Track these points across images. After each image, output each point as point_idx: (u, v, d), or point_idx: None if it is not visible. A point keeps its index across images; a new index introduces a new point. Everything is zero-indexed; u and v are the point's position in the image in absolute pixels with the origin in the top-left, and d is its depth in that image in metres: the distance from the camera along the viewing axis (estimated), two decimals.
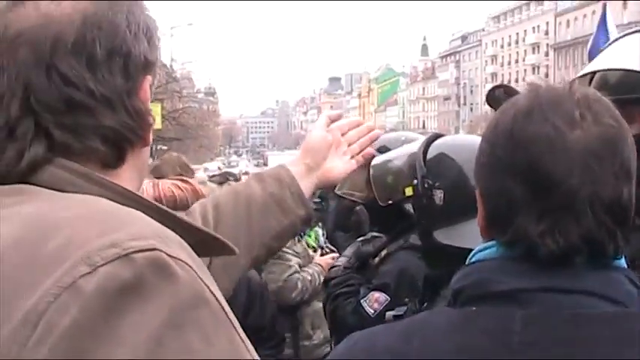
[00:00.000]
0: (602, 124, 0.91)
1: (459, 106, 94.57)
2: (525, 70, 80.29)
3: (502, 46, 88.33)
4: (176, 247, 0.67)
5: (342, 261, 2.56)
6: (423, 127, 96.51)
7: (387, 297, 2.28)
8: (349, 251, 2.59)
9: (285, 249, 3.53)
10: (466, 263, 0.99)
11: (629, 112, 1.21)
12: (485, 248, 0.97)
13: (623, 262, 0.94)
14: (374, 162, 2.09)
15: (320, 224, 4.06)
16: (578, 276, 0.90)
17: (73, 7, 0.80)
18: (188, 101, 37.55)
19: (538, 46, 79.01)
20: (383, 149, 2.27)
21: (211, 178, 4.29)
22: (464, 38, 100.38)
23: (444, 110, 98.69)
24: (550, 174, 0.89)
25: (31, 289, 0.62)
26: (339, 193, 2.66)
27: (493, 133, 0.96)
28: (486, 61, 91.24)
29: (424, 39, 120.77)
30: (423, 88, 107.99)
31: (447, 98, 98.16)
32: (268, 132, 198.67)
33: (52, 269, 0.62)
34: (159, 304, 0.61)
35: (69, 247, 0.64)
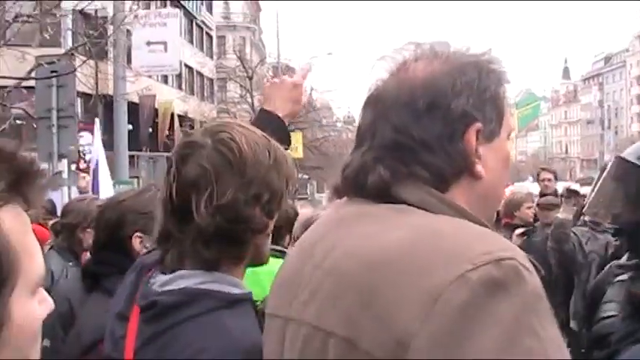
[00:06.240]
0: None
1: (602, 129, 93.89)
2: None
3: None
4: (522, 257, 0.93)
5: (611, 309, 1.97)
6: (566, 152, 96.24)
7: None
8: (614, 294, 2.01)
9: None
10: None
11: None
12: None
13: None
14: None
15: None
16: None
17: (421, 70, 1.07)
18: (328, 130, 38.68)
19: None
20: None
21: None
22: (607, 59, 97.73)
23: (588, 134, 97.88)
24: None
25: (428, 276, 0.89)
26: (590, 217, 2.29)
27: None
28: (631, 83, 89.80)
29: (565, 61, 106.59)
30: (565, 112, 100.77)
31: (590, 122, 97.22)
32: None
33: (442, 264, 0.90)
34: (517, 298, 0.88)
35: (455, 250, 0.91)
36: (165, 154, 24.88)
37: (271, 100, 2.01)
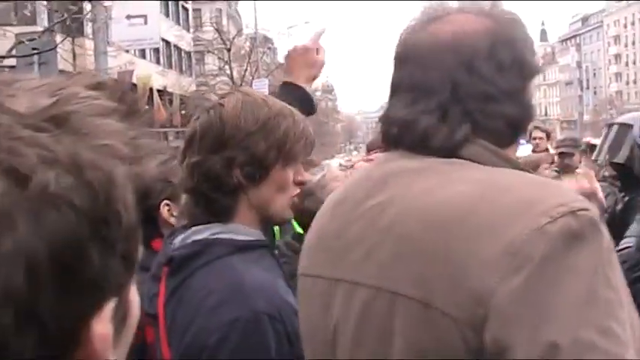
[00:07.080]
0: None
1: (581, 90, 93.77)
2: None
3: (625, 26, 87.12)
4: (594, 208, 0.93)
5: (630, 242, 2.24)
6: (545, 114, 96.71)
7: None
8: (636, 230, 2.36)
9: None
10: None
11: None
12: None
13: None
14: None
15: None
16: None
17: (480, 23, 1.08)
18: None
19: None
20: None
21: None
22: (584, 20, 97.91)
23: (567, 95, 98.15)
24: None
25: (502, 231, 0.88)
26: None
27: None
28: (609, 43, 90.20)
29: (542, 24, 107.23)
30: (544, 74, 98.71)
31: (568, 83, 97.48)
32: None
33: (515, 217, 0.89)
34: (595, 249, 0.88)
35: (529, 203, 0.90)
36: (147, 129, 24.57)
37: (290, 70, 2.08)
